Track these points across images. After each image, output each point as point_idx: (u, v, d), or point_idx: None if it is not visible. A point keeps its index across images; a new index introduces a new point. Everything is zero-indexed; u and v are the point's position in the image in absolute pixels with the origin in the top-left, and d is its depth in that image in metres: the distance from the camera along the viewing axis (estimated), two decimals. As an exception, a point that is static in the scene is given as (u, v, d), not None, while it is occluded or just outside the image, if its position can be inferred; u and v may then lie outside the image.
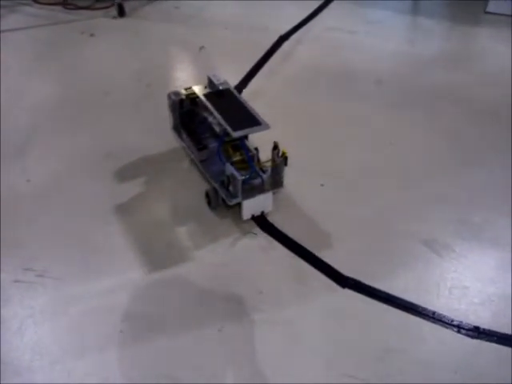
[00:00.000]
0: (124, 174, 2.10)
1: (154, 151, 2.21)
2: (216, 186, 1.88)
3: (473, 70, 2.84)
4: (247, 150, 1.85)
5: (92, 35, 3.02)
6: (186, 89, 2.03)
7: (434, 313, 1.66)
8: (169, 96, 2.04)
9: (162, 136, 2.23)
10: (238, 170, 1.80)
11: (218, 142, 1.90)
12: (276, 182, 1.89)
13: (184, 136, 2.06)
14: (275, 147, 1.83)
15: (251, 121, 1.81)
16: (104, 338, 1.57)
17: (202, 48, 2.90)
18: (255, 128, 1.79)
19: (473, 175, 2.16)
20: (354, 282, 1.73)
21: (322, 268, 1.77)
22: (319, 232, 1.88)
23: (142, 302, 1.67)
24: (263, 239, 1.85)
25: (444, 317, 1.65)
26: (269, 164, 1.89)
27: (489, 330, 1.61)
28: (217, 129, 1.97)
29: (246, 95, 2.53)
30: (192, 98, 2.02)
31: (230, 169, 1.80)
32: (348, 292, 1.70)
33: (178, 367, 1.50)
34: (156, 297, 1.68)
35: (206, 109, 1.95)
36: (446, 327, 1.62)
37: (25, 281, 1.71)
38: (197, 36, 3.02)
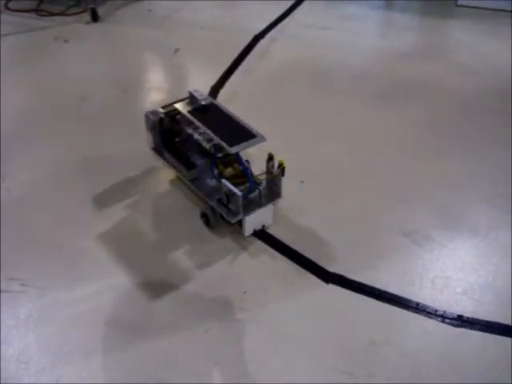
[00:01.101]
0: (102, 181, 2.09)
1: (131, 157, 2.20)
2: (214, 204, 1.81)
3: (446, 62, 2.87)
4: (244, 164, 1.78)
5: (66, 41, 3.00)
6: (163, 107, 1.96)
7: (417, 304, 1.67)
8: (146, 116, 1.96)
9: (140, 141, 2.23)
10: (233, 185, 1.74)
11: (212, 160, 1.84)
12: (274, 194, 1.83)
13: (167, 156, 1.97)
14: (270, 158, 1.78)
15: (245, 134, 1.75)
16: (90, 343, 1.56)
17: (177, 50, 2.90)
18: (251, 141, 1.72)
19: (449, 165, 2.19)
20: (338, 277, 1.74)
21: (306, 264, 1.78)
22: (300, 229, 1.89)
23: (127, 306, 1.66)
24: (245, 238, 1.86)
25: (428, 307, 1.66)
26: (263, 177, 1.83)
27: (472, 318, 1.63)
28: (206, 145, 1.85)
29: (223, 95, 2.55)
30: (171, 115, 1.94)
31: (227, 185, 1.73)
32: (332, 287, 1.71)
33: (165, 369, 1.50)
34: (140, 301, 1.67)
35: (190, 125, 1.89)
36: (430, 317, 1.64)
37: (8, 290, 1.70)
38: (171, 38, 3.02)
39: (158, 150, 2.01)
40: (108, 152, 2.22)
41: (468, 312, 1.65)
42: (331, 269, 1.76)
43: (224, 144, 1.70)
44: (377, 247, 1.85)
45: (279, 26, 3.14)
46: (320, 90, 2.63)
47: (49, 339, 1.58)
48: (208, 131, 1.76)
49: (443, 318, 1.64)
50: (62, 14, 3.27)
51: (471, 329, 1.61)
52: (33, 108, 2.48)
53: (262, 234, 1.87)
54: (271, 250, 1.81)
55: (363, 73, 2.75)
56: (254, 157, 1.91)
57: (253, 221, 1.81)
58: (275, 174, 1.79)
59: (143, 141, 2.17)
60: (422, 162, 2.21)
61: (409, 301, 1.68)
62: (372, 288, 1.71)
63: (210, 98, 1.89)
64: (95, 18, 3.18)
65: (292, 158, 1.82)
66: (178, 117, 1.94)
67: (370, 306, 1.67)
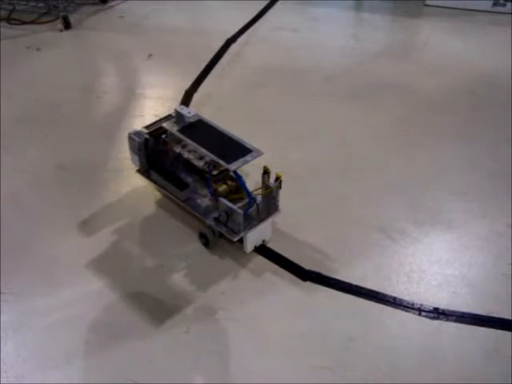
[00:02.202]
0: (78, 188, 2.08)
1: (107, 163, 2.20)
2: (212, 224, 1.77)
3: (416, 60, 2.92)
4: (242, 180, 1.73)
5: (38, 49, 2.99)
6: (146, 127, 1.92)
7: (394, 298, 1.69)
8: (130, 138, 1.89)
9: (116, 147, 2.24)
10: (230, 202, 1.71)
11: (207, 178, 1.77)
12: (272, 208, 1.78)
13: (156, 177, 1.91)
14: (265, 172, 1.70)
15: (241, 149, 1.71)
16: (69, 348, 1.56)
17: (150, 56, 2.90)
18: (248, 156, 1.68)
19: (422, 161, 2.22)
20: (315, 274, 1.75)
21: (283, 263, 1.79)
22: (276, 228, 1.90)
23: (106, 310, 1.66)
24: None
25: (404, 301, 1.68)
26: (257, 191, 1.76)
27: (448, 310, 1.66)
28: (199, 164, 1.79)
29: (198, 99, 2.56)
30: (156, 135, 1.89)
31: (226, 203, 1.69)
32: (309, 285, 1.73)
33: (147, 371, 1.50)
34: (119, 304, 1.67)
35: (178, 144, 1.84)
36: (407, 311, 1.66)
37: (-15, 299, 1.69)
38: (144, 44, 3.03)
39: (144, 171, 1.95)
40: (84, 158, 2.22)
41: (444, 304, 1.68)
42: (307, 266, 1.78)
43: (222, 162, 1.66)
44: (352, 244, 1.87)
45: (251, 29, 3.16)
46: (293, 91, 2.65)
47: (28, 346, 1.57)
48: (202, 150, 1.71)
49: (420, 311, 1.66)
50: (33, 22, 3.26)
51: (447, 320, 1.63)
52: (5, 116, 2.47)
53: (263, 250, 1.84)
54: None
55: (335, 73, 2.78)
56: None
57: (254, 237, 1.77)
58: (273, 187, 1.73)
59: (118, 147, 2.18)
60: (395, 158, 2.24)
61: (385, 295, 1.70)
62: (349, 284, 1.73)
63: (198, 114, 1.84)
64: (67, 25, 3.18)
65: (267, 158, 1.83)
66: (164, 136, 1.89)
67: (347, 302, 1.68)
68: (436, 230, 1.92)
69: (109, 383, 1.48)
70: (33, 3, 3.33)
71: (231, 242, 1.78)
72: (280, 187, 1.74)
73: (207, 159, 1.76)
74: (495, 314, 1.65)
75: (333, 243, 1.86)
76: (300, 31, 3.15)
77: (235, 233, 1.72)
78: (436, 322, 1.63)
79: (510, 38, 3.07)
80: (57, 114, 2.49)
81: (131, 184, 2.09)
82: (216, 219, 1.76)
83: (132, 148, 1.92)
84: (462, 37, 3.09)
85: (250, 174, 1.92)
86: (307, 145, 2.29)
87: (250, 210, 1.72)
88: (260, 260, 1.79)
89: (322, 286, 1.72)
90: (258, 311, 1.66)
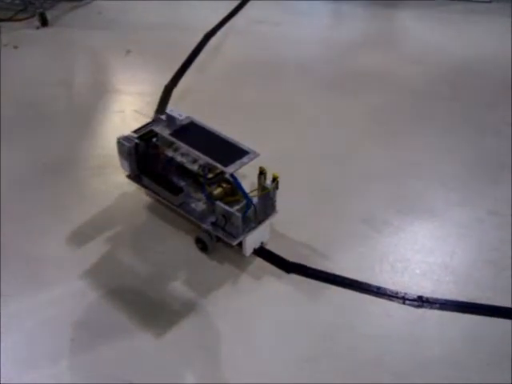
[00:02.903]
0: (62, 186, 2.07)
1: (90, 160, 2.19)
2: (210, 228, 1.73)
3: (396, 50, 2.93)
4: (239, 182, 1.68)
5: (15, 47, 2.96)
6: (135, 131, 1.87)
7: (378, 288, 1.70)
8: (120, 143, 1.84)
9: (98, 144, 2.23)
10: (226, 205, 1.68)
11: (203, 181, 1.73)
12: (269, 209, 1.74)
13: (148, 182, 1.86)
14: (261, 173, 1.66)
15: (237, 151, 1.67)
16: (56, 348, 1.55)
17: (128, 52, 2.88)
18: (245, 158, 1.64)
19: (402, 151, 2.23)
20: (299, 266, 1.76)
21: (266, 256, 1.79)
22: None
23: (92, 309, 1.65)
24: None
25: (388, 290, 1.70)
26: (254, 193, 1.72)
27: (432, 298, 1.67)
28: (192, 167, 1.76)
29: (178, 93, 2.54)
30: (146, 139, 1.84)
31: (223, 207, 1.66)
32: (293, 277, 1.73)
33: (135, 369, 1.50)
34: (105, 303, 1.66)
35: (169, 148, 1.81)
36: (392, 300, 1.67)
37: (-29, 301, 1.67)
38: (122, 40, 3.00)
39: (135, 176, 1.90)
40: (66, 157, 2.21)
41: (428, 292, 1.69)
42: (292, 259, 1.78)
43: (218, 165, 1.62)
44: (336, 235, 1.87)
45: (229, 23, 3.14)
46: (272, 84, 2.65)
47: (15, 347, 1.56)
48: (197, 153, 1.66)
49: (404, 299, 1.67)
50: (10, 19, 3.22)
51: (431, 308, 1.65)
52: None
53: (262, 252, 1.81)
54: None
55: (315, 65, 2.78)
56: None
57: (253, 240, 1.74)
58: (270, 188, 1.69)
59: (101, 144, 2.17)
60: (375, 149, 2.25)
61: (369, 285, 1.71)
62: (333, 275, 1.73)
63: (189, 116, 1.79)
64: (44, 22, 3.14)
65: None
66: (154, 140, 1.86)
67: (331, 292, 1.69)
68: (418, 219, 1.94)
69: (96, 382, 1.47)
70: (9, 0, 3.28)
71: (230, 245, 1.74)
72: (277, 188, 1.70)
73: (201, 162, 1.73)
74: (478, 301, 1.66)
75: (316, 235, 1.87)
76: (278, 24, 3.14)
77: (234, 236, 1.69)
78: (420, 310, 1.64)
79: (488, 27, 3.09)
80: (37, 112, 2.46)
81: (115, 182, 2.07)
82: (213, 223, 1.73)
83: (122, 153, 1.86)
84: (441, 26, 3.10)
85: (247, 175, 1.89)
86: (286, 136, 2.29)
87: (248, 212, 1.69)
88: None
89: (307, 278, 1.73)
90: (244, 305, 1.66)
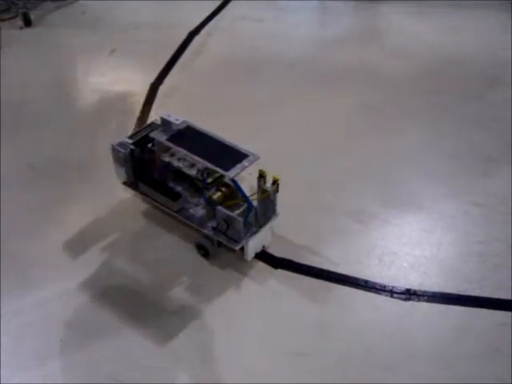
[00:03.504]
0: (51, 186, 2.06)
1: (78, 160, 2.18)
2: (211, 234, 1.71)
3: (380, 45, 2.93)
4: (240, 186, 1.66)
5: (-1, 48, 2.94)
6: (130, 137, 1.83)
7: (366, 281, 1.70)
8: (114, 149, 1.81)
9: (86, 144, 2.22)
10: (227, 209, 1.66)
11: (202, 186, 1.71)
12: (270, 212, 1.72)
13: (144, 188, 1.83)
14: (261, 175, 1.64)
15: (236, 155, 1.65)
16: (45, 349, 1.54)
17: (113, 51, 2.87)
18: (245, 162, 1.62)
19: (388, 145, 2.24)
20: (286, 261, 1.76)
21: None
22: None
23: (80, 309, 1.65)
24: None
25: (376, 284, 1.70)
26: (254, 196, 1.70)
27: (420, 291, 1.67)
28: (191, 172, 1.73)
29: (163, 92, 2.54)
30: (141, 145, 1.81)
31: (224, 212, 1.64)
32: (281, 272, 1.73)
33: (124, 368, 1.50)
34: (91, 301, 1.66)
35: (166, 153, 1.77)
36: (380, 294, 1.67)
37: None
38: (107, 39, 2.99)
39: (131, 183, 1.87)
40: (54, 157, 2.19)
41: (416, 285, 1.69)
42: (279, 254, 1.78)
43: (219, 169, 1.61)
44: (323, 229, 1.88)
45: (213, 20, 3.13)
46: (258, 80, 2.64)
47: (3, 349, 1.55)
48: (197, 158, 1.65)
49: (392, 292, 1.67)
50: (-8, 20, 3.20)
51: (419, 301, 1.65)
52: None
53: (263, 255, 1.79)
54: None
55: (300, 61, 2.77)
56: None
57: (255, 244, 1.72)
58: (270, 191, 1.67)
59: (88, 144, 2.16)
60: (360, 143, 2.25)
61: (357, 279, 1.71)
62: (320, 270, 1.73)
63: (186, 121, 1.76)
64: (28, 22, 3.12)
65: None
66: (150, 145, 1.83)
67: (319, 287, 1.69)
68: (405, 212, 1.94)
69: (87, 382, 1.47)
70: (-9, 1, 3.27)
71: (232, 250, 1.72)
72: (277, 191, 1.68)
73: (199, 167, 1.71)
74: (466, 293, 1.67)
75: (303, 230, 1.87)
76: (263, 21, 3.14)
77: (236, 241, 1.67)
78: (408, 303, 1.65)
79: (471, 21, 3.10)
80: (23, 112, 2.45)
81: (105, 183, 2.05)
82: (214, 228, 1.70)
83: (117, 160, 1.83)
84: (425, 20, 3.11)
85: (245, 178, 1.85)
86: (273, 133, 2.29)
87: (250, 216, 1.67)
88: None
89: (294, 273, 1.73)
90: (232, 302, 1.66)
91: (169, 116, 1.74)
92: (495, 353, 1.52)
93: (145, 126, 1.88)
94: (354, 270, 1.74)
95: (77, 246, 1.84)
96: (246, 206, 1.68)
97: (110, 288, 1.70)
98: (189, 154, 1.67)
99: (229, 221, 1.64)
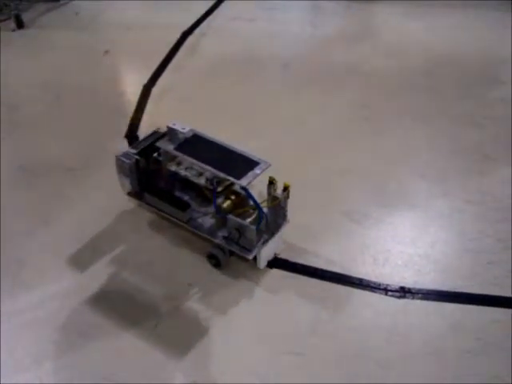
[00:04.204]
0: (42, 189, 2.06)
1: (71, 162, 2.17)
2: (223, 243, 1.68)
3: (373, 43, 2.94)
4: (251, 194, 1.62)
5: (-9, 50, 2.94)
6: (133, 146, 1.82)
7: (360, 280, 1.71)
8: (119, 160, 1.78)
9: (79, 146, 2.21)
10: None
11: (213, 195, 1.68)
12: (281, 219, 1.71)
13: (151, 199, 1.80)
14: (271, 182, 1.63)
15: (246, 162, 1.63)
16: (39, 350, 1.54)
17: (106, 52, 2.87)
18: (257, 169, 1.60)
19: (382, 143, 2.25)
20: (281, 260, 1.76)
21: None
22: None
23: (73, 310, 1.64)
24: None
25: (371, 282, 1.70)
26: (264, 204, 1.67)
27: (414, 289, 1.68)
28: (199, 181, 1.71)
29: (157, 93, 2.54)
30: (146, 154, 1.79)
31: (236, 220, 1.62)
32: (276, 271, 1.73)
33: (118, 369, 1.49)
34: (85, 303, 1.65)
35: (172, 162, 1.75)
36: (374, 292, 1.68)
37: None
38: (100, 40, 2.99)
39: (135, 194, 1.84)
40: (46, 159, 2.19)
41: (410, 283, 1.70)
42: (274, 253, 1.78)
43: (231, 178, 1.58)
44: (317, 228, 1.88)
45: (206, 20, 3.14)
46: (252, 80, 2.65)
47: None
48: (207, 167, 1.62)
49: (386, 291, 1.68)
50: (-16, 23, 3.19)
51: (414, 298, 1.65)
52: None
53: (276, 262, 1.77)
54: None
55: (293, 60, 2.78)
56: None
57: (267, 252, 1.70)
58: (281, 198, 1.65)
59: (81, 146, 2.15)
60: (355, 142, 2.26)
61: (351, 278, 1.71)
62: (315, 269, 1.73)
63: (192, 129, 1.73)
64: (20, 24, 3.12)
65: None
66: (155, 155, 1.81)
67: (314, 286, 1.69)
68: (399, 211, 1.95)
69: (81, 383, 1.47)
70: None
71: (245, 260, 1.71)
72: (288, 197, 1.67)
73: (207, 175, 1.69)
74: (460, 290, 1.68)
75: (297, 229, 1.86)
76: (256, 20, 3.14)
77: (249, 250, 1.65)
78: (403, 301, 1.65)
79: (464, 20, 3.11)
80: (16, 114, 2.44)
81: (97, 184, 2.06)
82: (225, 237, 1.68)
83: (122, 171, 1.80)
84: (417, 20, 3.11)
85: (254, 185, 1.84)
86: (267, 133, 2.29)
87: (262, 224, 1.64)
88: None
89: (289, 272, 1.73)
90: (225, 301, 1.65)
91: (174, 124, 1.71)
92: (490, 349, 1.52)
93: (148, 134, 1.85)
94: (349, 269, 1.74)
95: (69, 248, 1.83)
96: (256, 213, 1.66)
97: (102, 290, 1.70)
98: (198, 163, 1.64)
99: (241, 229, 1.62)
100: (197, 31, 3.03)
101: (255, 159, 1.64)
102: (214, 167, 1.61)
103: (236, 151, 1.68)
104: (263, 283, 1.70)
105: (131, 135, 2.27)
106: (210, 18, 3.16)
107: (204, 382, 1.47)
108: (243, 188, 1.60)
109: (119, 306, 1.65)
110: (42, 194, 2.03)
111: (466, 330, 1.57)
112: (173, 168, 1.75)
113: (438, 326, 1.59)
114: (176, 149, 1.69)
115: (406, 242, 1.83)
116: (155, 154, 1.81)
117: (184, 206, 1.74)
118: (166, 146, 1.71)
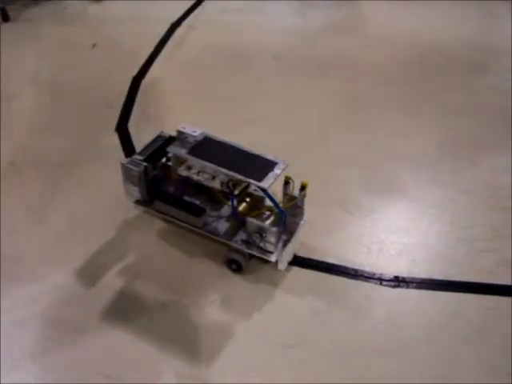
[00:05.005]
0: (33, 184, 2.04)
1: (60, 158, 2.16)
2: (243, 248, 1.64)
3: (362, 34, 2.93)
4: (272, 195, 1.60)
5: (-23, 44, 2.90)
6: (139, 153, 1.74)
7: (355, 270, 1.71)
8: (127, 168, 1.70)
9: (68, 141, 2.20)
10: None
11: (231, 199, 1.64)
12: (298, 218, 1.68)
13: (161, 206, 1.73)
14: (287, 182, 1.61)
15: (264, 163, 1.59)
16: (33, 347, 1.53)
17: (94, 45, 2.85)
18: (276, 170, 1.56)
19: (372, 134, 2.25)
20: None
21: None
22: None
23: (66, 304, 1.63)
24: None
25: (365, 272, 1.71)
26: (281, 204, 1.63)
27: (408, 278, 1.69)
28: (214, 185, 1.64)
29: (146, 85, 2.52)
30: (153, 160, 1.72)
31: (255, 223, 1.59)
32: (271, 264, 1.72)
33: (113, 363, 1.49)
34: (79, 298, 1.65)
35: (182, 167, 1.68)
36: (369, 281, 1.69)
37: None
38: (88, 33, 2.95)
39: (144, 201, 1.76)
40: (34, 154, 2.17)
41: (404, 272, 1.71)
42: (268, 245, 1.78)
43: (252, 181, 1.54)
44: (310, 220, 1.86)
45: (195, 12, 3.12)
46: (241, 72, 2.64)
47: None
48: (225, 171, 1.57)
49: (381, 280, 1.69)
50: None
51: (408, 288, 1.67)
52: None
53: (297, 261, 1.75)
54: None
55: (282, 52, 2.77)
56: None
57: (288, 252, 1.68)
58: (298, 198, 1.63)
59: (70, 140, 2.13)
60: (346, 133, 2.26)
61: (346, 268, 1.72)
62: (309, 259, 1.74)
63: (203, 132, 1.67)
64: (6, 18, 3.07)
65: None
66: (164, 160, 1.75)
67: (309, 277, 1.70)
68: (391, 201, 1.96)
69: (75, 379, 1.46)
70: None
71: (267, 262, 1.68)
72: (305, 195, 1.64)
73: (221, 178, 1.63)
74: (453, 278, 1.69)
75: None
76: (244, 11, 3.12)
77: (270, 252, 1.62)
78: (397, 290, 1.66)
79: (449, 10, 3.11)
80: (4, 109, 2.42)
81: (89, 177, 2.05)
82: (245, 241, 1.64)
83: (129, 179, 1.72)
84: (406, 10, 3.11)
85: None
86: (258, 125, 2.28)
87: (282, 224, 1.62)
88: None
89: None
90: (221, 294, 1.65)
91: (184, 128, 1.65)
92: (484, 337, 1.53)
93: (152, 139, 1.78)
94: (343, 259, 1.75)
95: (62, 243, 1.82)
96: (273, 215, 1.64)
97: (96, 285, 1.69)
98: (215, 167, 1.59)
99: (262, 232, 1.59)
100: (185, 23, 3.01)
101: (272, 159, 1.61)
102: (232, 170, 1.57)
103: (250, 152, 1.64)
104: (260, 275, 1.70)
105: (122, 128, 2.26)
106: (199, 9, 3.14)
107: (197, 376, 1.47)
108: (263, 190, 1.57)
109: (113, 301, 1.64)
110: (33, 189, 2.01)
111: (460, 318, 1.58)
112: (184, 173, 1.68)
113: (433, 314, 1.60)
114: (189, 153, 1.63)
115: (400, 232, 1.84)
116: (164, 160, 1.75)
117: (199, 212, 1.68)
118: (178, 150, 1.65)
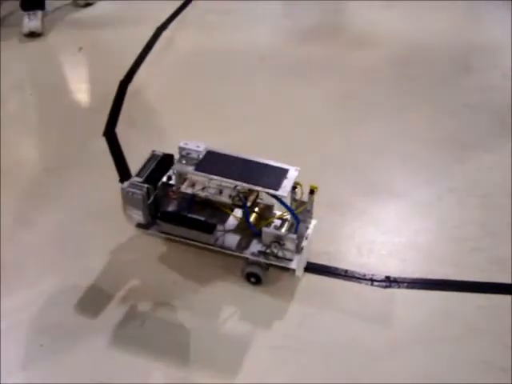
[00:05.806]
0: (20, 189, 2.03)
1: (46, 162, 2.15)
2: (261, 259, 1.61)
3: (349, 35, 2.93)
4: (287, 203, 1.58)
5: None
6: (137, 175, 1.66)
7: (346, 271, 1.71)
8: (127, 192, 1.63)
9: (55, 144, 2.19)
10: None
11: (245, 211, 1.62)
12: (307, 222, 1.67)
13: (166, 226, 1.68)
14: (294, 187, 1.58)
15: (275, 171, 1.56)
16: (26, 353, 1.52)
17: (80, 49, 2.83)
18: (289, 176, 1.54)
19: (362, 134, 2.24)
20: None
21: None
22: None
23: (57, 311, 1.62)
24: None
25: (356, 273, 1.71)
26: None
27: (399, 278, 1.69)
28: (223, 199, 1.61)
29: (133, 89, 2.51)
30: (154, 181, 1.66)
31: (272, 232, 1.57)
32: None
33: (107, 368, 1.48)
34: (70, 304, 1.64)
35: (184, 184, 1.64)
36: (360, 282, 1.68)
37: None
38: (74, 37, 2.93)
39: (145, 224, 1.71)
40: (20, 158, 2.17)
41: (395, 272, 1.70)
42: (258, 247, 1.77)
43: (270, 191, 1.51)
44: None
45: (181, 15, 3.10)
46: (228, 74, 2.63)
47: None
48: (240, 183, 1.54)
49: (372, 281, 1.68)
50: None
51: (399, 287, 1.66)
52: None
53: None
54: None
55: (269, 53, 2.76)
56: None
57: (305, 257, 1.66)
58: (308, 202, 1.62)
59: (57, 144, 2.12)
60: (333, 134, 2.25)
61: (337, 269, 1.72)
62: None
63: (206, 146, 1.62)
64: (-10, 23, 3.06)
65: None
66: (165, 179, 1.70)
67: (298, 278, 1.69)
68: (381, 201, 1.95)
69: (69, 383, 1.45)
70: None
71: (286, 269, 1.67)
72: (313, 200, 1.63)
73: (229, 192, 1.60)
74: (444, 277, 1.69)
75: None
76: (231, 13, 3.11)
77: (290, 260, 1.60)
78: (388, 290, 1.66)
79: (434, 8, 3.11)
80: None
81: (77, 181, 2.04)
82: (261, 252, 1.61)
83: (131, 203, 1.65)
84: (392, 10, 3.10)
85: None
86: (247, 127, 2.28)
87: (298, 230, 1.59)
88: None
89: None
90: (212, 297, 1.65)
91: (187, 144, 1.60)
92: (476, 335, 1.53)
93: (147, 159, 1.72)
94: (334, 260, 1.74)
95: (49, 248, 1.81)
96: (284, 222, 1.63)
97: (87, 289, 1.68)
98: (228, 180, 1.55)
99: (282, 240, 1.57)
100: (171, 25, 3.00)
101: (282, 166, 1.58)
102: (248, 182, 1.53)
103: (258, 161, 1.60)
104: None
105: (109, 133, 2.25)
106: (185, 11, 3.13)
107: (190, 380, 1.46)
108: (277, 198, 1.54)
109: (105, 305, 1.63)
110: (20, 194, 2.00)
111: (452, 317, 1.58)
112: (189, 190, 1.63)
113: (425, 314, 1.60)
114: (197, 169, 1.58)
115: (390, 232, 1.84)
116: (165, 179, 1.71)
117: (210, 228, 1.64)
118: (185, 168, 1.60)
